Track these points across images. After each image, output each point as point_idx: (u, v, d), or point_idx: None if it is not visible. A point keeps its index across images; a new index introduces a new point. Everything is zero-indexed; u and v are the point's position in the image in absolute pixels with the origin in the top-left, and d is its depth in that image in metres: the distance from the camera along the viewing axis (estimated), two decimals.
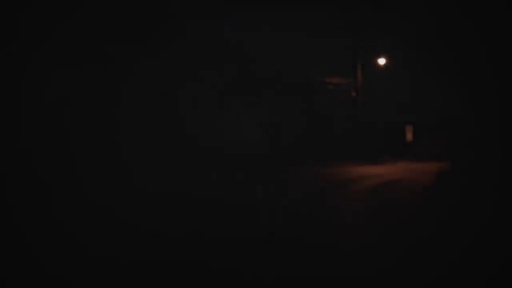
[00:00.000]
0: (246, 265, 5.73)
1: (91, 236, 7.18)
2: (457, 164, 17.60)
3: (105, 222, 8.04)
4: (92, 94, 17.70)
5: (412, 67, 27.19)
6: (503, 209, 9.63)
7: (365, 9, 28.34)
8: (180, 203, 11.07)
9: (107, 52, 17.71)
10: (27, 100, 16.10)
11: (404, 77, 28.64)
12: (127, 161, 16.93)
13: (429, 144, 26.43)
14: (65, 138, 16.60)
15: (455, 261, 6.13)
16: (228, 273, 5.51)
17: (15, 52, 15.63)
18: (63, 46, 16.79)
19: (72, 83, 17.16)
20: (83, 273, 5.56)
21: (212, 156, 18.91)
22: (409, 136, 27.95)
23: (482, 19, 18.10)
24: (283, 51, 26.51)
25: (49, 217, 8.78)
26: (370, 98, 29.30)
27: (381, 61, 29.18)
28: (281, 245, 6.87)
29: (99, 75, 17.74)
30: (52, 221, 8.52)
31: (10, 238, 6.92)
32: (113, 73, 17.91)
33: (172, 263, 5.97)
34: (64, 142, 16.40)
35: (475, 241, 7.22)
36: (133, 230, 7.99)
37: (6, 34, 15.44)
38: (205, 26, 21.25)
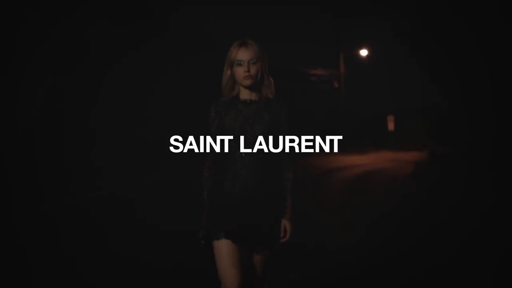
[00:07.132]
0: None
1: None
2: (432, 154, 17.98)
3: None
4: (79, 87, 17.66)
5: (394, 56, 27.51)
6: (478, 201, 9.91)
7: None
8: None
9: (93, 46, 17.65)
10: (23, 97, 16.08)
11: (386, 67, 28.98)
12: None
13: (411, 133, 26.82)
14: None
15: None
16: None
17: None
18: (53, 41, 16.73)
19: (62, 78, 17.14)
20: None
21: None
22: (390, 126, 28.30)
23: (463, 9, 18.32)
24: (265, 40, 26.57)
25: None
26: (352, 88, 29.58)
27: (364, 52, 29.47)
28: None
29: (84, 69, 17.71)
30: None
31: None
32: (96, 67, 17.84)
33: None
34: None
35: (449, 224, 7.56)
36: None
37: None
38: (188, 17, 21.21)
